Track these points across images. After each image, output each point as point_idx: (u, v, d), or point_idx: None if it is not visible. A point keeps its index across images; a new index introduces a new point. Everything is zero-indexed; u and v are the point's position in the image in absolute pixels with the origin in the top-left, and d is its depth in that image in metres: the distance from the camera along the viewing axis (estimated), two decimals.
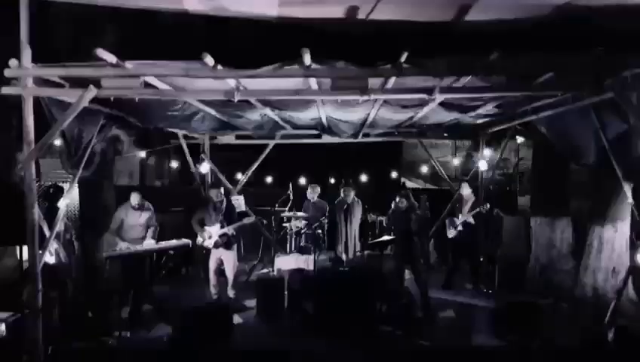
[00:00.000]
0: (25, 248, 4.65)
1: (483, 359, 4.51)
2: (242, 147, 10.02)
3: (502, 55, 3.86)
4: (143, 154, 9.82)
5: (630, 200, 5.09)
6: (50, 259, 4.95)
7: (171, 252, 6.48)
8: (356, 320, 5.60)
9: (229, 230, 6.39)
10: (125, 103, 5.62)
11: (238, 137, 9.18)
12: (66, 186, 6.29)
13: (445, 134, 8.73)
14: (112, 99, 4.40)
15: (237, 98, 4.26)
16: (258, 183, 11.06)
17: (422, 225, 6.36)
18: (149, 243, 5.99)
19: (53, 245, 4.98)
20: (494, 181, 8.03)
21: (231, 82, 4.35)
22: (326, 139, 9.15)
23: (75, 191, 8.52)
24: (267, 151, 9.43)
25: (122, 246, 5.94)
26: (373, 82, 4.33)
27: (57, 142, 7.94)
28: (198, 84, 4.53)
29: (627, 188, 5.11)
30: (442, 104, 6.14)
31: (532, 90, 4.48)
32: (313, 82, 4.32)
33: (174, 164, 15.67)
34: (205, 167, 8.82)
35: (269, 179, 11.43)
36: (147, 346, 5.20)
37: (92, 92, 4.16)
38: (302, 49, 3.71)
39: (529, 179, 11.14)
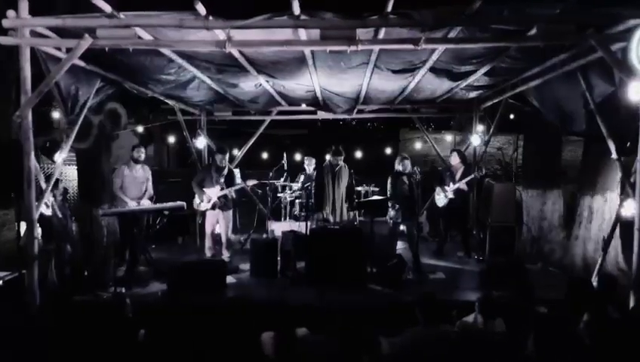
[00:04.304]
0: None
1: (468, 310, 4.61)
2: (236, 134, 10.22)
3: (485, 3, 3.97)
4: (140, 129, 9.94)
5: (614, 155, 5.20)
6: (46, 210, 5.07)
7: (166, 212, 6.61)
8: (347, 279, 5.71)
9: (230, 192, 6.54)
10: (121, 66, 5.75)
11: (235, 113, 9.29)
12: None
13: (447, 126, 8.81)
14: (106, 49, 4.47)
15: (228, 49, 4.37)
16: (253, 162, 11.25)
17: (418, 189, 6.52)
18: (145, 204, 6.13)
19: (49, 198, 5.09)
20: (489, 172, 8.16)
21: (221, 35, 4.46)
22: (321, 115, 9.28)
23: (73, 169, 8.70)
24: (263, 127, 9.56)
25: (131, 204, 6.06)
26: (361, 34, 4.43)
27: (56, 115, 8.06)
28: (190, 38, 4.65)
29: (611, 145, 5.23)
30: (432, 70, 6.27)
31: (516, 41, 4.57)
32: (302, 33, 4.44)
33: (173, 151, 15.96)
34: (202, 142, 8.94)
35: (264, 155, 11.63)
36: (142, 300, 5.30)
37: (88, 41, 4.27)
38: None
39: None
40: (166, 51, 5.25)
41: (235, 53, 5.16)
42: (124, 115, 8.69)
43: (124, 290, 5.47)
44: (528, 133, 8.54)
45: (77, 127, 5.48)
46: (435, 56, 5.51)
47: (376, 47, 4.81)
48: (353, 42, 4.34)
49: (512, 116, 10.31)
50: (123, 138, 12.74)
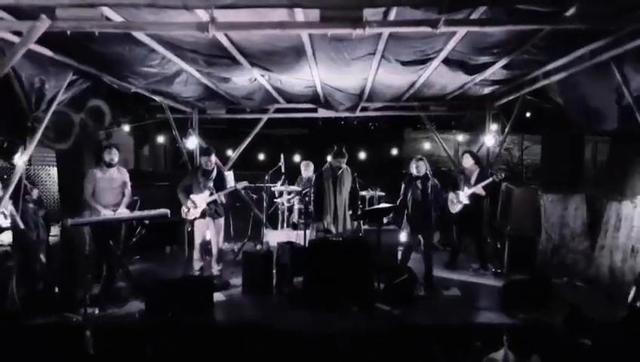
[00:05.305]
0: None
1: (493, 337, 3.95)
2: (234, 133, 9.62)
3: None
4: (126, 128, 9.28)
5: None
6: (4, 221, 4.40)
7: (146, 222, 5.90)
8: (350, 297, 5.05)
9: (220, 196, 5.85)
10: (96, 57, 5.11)
11: (229, 111, 8.64)
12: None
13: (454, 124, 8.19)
14: (67, 33, 3.79)
15: (212, 32, 3.70)
16: (249, 163, 10.62)
17: (437, 195, 5.83)
18: (122, 212, 5.43)
19: (8, 207, 4.43)
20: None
21: (204, 16, 3.80)
22: (322, 113, 8.63)
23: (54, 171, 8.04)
24: (260, 126, 8.92)
25: (105, 213, 5.37)
26: (369, 15, 3.76)
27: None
28: (167, 20, 3.98)
29: None
30: (446, 62, 5.61)
31: (550, 23, 3.89)
32: (299, 13, 3.77)
33: (169, 152, 15.35)
34: (193, 142, 8.28)
35: (261, 157, 10.97)
36: (116, 322, 4.65)
37: (45, 23, 3.60)
38: None
39: (535, 172, 10.68)
40: (145, 39, 4.59)
41: (223, 39, 4.50)
42: (109, 112, 8.06)
43: (96, 311, 4.81)
44: (547, 132, 7.86)
45: (43, 125, 4.82)
46: (451, 45, 4.84)
47: (387, 31, 4.12)
48: (359, 24, 3.65)
49: (528, 114, 9.61)
50: (116, 138, 12.15)
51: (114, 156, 5.54)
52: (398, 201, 6.00)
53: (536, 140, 12.54)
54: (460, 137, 10.71)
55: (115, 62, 5.31)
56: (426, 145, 12.58)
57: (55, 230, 7.00)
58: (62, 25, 3.68)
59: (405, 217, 5.94)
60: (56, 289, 5.09)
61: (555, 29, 4.05)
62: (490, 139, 8.09)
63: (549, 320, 4.23)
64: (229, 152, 9.61)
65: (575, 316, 3.75)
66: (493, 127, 8.37)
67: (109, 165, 5.51)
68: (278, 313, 5.01)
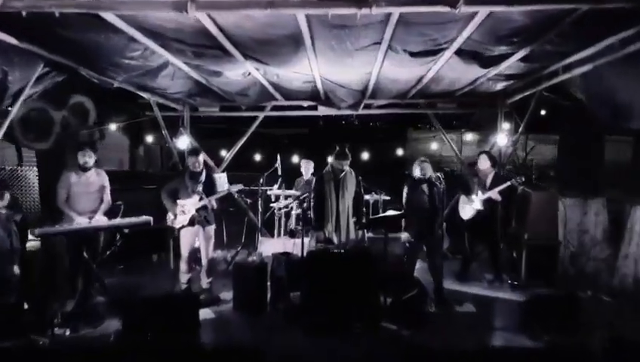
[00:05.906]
0: None
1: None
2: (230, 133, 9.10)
3: None
4: (113, 126, 8.73)
5: None
6: None
7: (126, 231, 5.34)
8: (353, 315, 4.51)
9: (210, 201, 5.27)
10: (70, 46, 4.56)
11: (223, 108, 8.10)
12: None
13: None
14: (23, 14, 3.25)
15: (191, 13, 3.16)
16: (245, 164, 10.08)
17: (442, 201, 5.27)
18: (99, 220, 4.87)
19: None
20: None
21: None
22: (322, 110, 8.08)
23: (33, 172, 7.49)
24: (255, 124, 8.36)
25: (80, 221, 4.81)
26: None
27: None
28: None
29: None
30: (459, 52, 5.07)
31: (587, 2, 3.34)
32: None
33: (166, 152, 14.83)
34: (184, 142, 7.73)
35: (257, 157, 10.41)
36: (88, 345, 4.12)
37: None
38: None
39: (541, 174, 10.17)
40: (120, 24, 4.02)
41: (208, 24, 3.95)
42: (94, 109, 7.54)
43: (68, 332, 4.27)
44: (566, 130, 7.33)
45: (7, 121, 4.29)
46: (467, 32, 4.30)
47: (397, 11, 3.56)
48: (365, 4, 3.12)
49: (543, 112, 9.07)
50: (110, 138, 11.63)
51: (88, 158, 4.93)
52: (403, 208, 5.44)
53: (541, 140, 12.05)
54: (468, 136, 10.16)
55: (92, 53, 4.75)
56: (430, 145, 12.07)
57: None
58: (16, 4, 3.15)
59: (406, 224, 5.39)
60: (26, 306, 4.56)
61: (591, 9, 3.49)
62: (503, 138, 7.53)
63: (583, 344, 3.69)
64: (224, 152, 9.06)
65: (617, 341, 3.21)
66: (506, 125, 7.83)
67: (84, 168, 4.94)
68: (272, 333, 4.46)
